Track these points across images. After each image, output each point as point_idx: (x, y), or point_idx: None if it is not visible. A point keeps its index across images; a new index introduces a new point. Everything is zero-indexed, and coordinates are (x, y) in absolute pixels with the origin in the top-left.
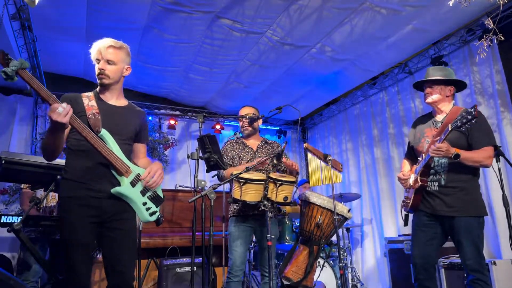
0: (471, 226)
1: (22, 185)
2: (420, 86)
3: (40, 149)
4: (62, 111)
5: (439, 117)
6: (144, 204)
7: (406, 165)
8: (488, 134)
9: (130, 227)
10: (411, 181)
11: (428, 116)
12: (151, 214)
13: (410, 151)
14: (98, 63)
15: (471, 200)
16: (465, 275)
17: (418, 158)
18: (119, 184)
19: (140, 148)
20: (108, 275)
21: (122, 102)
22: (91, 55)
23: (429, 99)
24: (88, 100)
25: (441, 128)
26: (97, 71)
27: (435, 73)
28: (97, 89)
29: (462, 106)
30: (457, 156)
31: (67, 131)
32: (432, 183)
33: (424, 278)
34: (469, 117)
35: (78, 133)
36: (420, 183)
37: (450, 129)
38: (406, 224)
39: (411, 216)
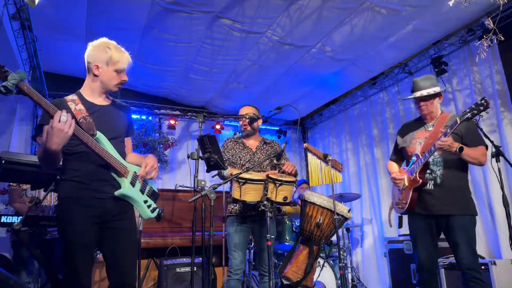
0: (466, 224)
1: (11, 183)
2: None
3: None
4: (65, 119)
5: (430, 121)
6: (145, 202)
7: (394, 165)
8: (480, 135)
9: (131, 227)
10: (406, 181)
11: (418, 121)
12: (152, 211)
13: (398, 154)
14: (120, 72)
15: (465, 199)
16: (461, 274)
17: (413, 158)
18: (119, 186)
19: (128, 143)
20: (110, 276)
21: (108, 100)
22: (116, 61)
23: (425, 111)
24: (74, 104)
25: (435, 129)
26: (119, 81)
27: (425, 84)
28: (81, 90)
29: (462, 107)
30: (461, 149)
31: None
32: (428, 181)
33: (428, 280)
34: (481, 108)
35: (78, 139)
36: (420, 180)
37: (459, 122)
38: (401, 226)
39: (405, 217)
